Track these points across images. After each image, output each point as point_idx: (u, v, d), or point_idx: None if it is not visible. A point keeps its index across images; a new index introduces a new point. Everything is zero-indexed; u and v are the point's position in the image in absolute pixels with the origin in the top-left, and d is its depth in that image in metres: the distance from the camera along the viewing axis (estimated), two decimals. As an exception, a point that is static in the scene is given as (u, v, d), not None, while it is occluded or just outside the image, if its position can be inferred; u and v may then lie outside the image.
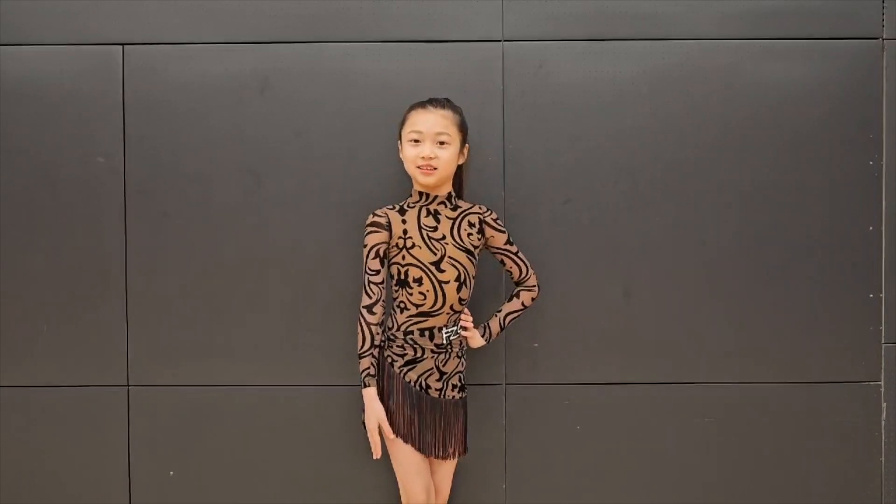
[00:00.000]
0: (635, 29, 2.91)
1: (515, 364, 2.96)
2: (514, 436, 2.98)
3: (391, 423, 2.55)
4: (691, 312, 2.95)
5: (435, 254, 2.58)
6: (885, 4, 2.91)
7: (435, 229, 2.60)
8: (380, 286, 2.55)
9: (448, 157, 2.56)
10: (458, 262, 2.60)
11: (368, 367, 2.53)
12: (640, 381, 2.96)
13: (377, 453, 2.57)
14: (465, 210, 2.66)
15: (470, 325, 2.70)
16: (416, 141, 2.56)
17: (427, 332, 2.60)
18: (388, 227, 2.58)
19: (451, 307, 2.60)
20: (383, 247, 2.58)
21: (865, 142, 2.93)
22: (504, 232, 2.72)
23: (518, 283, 2.77)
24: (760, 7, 2.92)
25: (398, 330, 2.61)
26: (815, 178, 2.93)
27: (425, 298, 2.57)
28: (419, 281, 2.57)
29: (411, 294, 2.58)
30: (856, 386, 2.96)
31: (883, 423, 2.97)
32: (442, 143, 2.55)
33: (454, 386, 2.64)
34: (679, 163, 2.93)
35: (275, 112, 2.93)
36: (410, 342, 2.60)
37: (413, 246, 2.58)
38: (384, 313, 2.58)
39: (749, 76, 2.92)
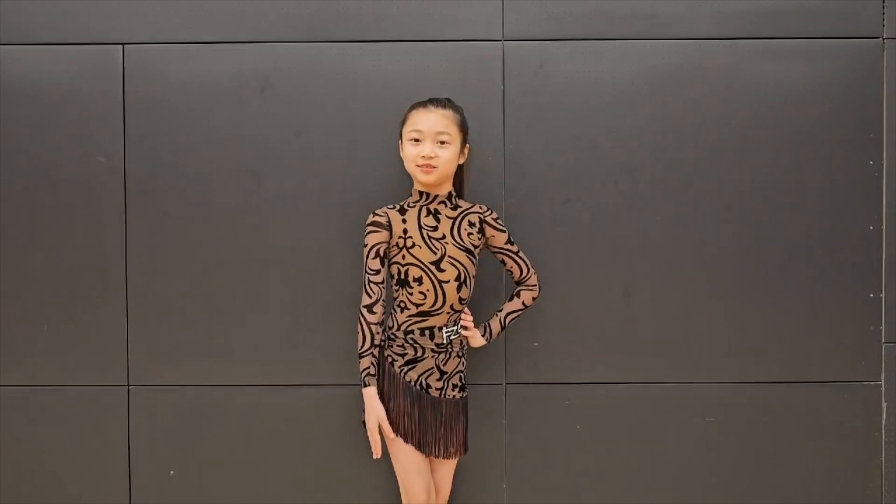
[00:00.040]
0: (635, 29, 2.92)
1: (515, 364, 2.96)
2: (514, 435, 2.98)
3: (391, 423, 2.55)
4: (691, 312, 2.95)
5: (435, 253, 2.58)
6: (885, 4, 2.91)
7: (435, 229, 2.60)
8: (380, 286, 2.55)
9: (448, 157, 2.56)
10: (458, 262, 2.60)
11: (368, 367, 2.53)
12: (640, 381, 2.96)
13: (377, 453, 2.57)
14: (465, 209, 2.66)
15: (470, 324, 2.70)
16: (417, 140, 2.56)
17: (427, 332, 2.60)
18: (389, 227, 2.59)
19: (452, 307, 2.60)
20: (383, 246, 2.58)
21: (865, 142, 2.93)
22: (504, 231, 2.72)
23: (519, 283, 2.77)
24: (760, 7, 2.92)
25: (398, 329, 2.61)
26: (815, 178, 2.93)
27: (425, 298, 2.58)
28: (419, 280, 2.57)
29: (411, 294, 2.58)
30: (856, 386, 2.96)
31: (883, 423, 2.97)
32: (442, 142, 2.55)
33: (455, 385, 2.64)
34: (679, 163, 2.93)
35: (275, 112, 2.93)
36: (411, 342, 2.60)
37: (413, 245, 2.58)
38: (384, 313, 2.58)
39: (749, 76, 2.92)
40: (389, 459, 2.65)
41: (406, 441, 2.57)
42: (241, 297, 2.95)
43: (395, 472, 2.66)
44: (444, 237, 2.60)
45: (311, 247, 2.94)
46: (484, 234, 2.68)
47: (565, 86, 2.92)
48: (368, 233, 2.59)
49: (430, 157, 2.54)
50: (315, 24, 2.93)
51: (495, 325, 2.74)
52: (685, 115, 2.93)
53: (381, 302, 2.55)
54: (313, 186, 2.93)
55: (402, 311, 2.61)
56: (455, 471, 2.75)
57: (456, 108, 2.61)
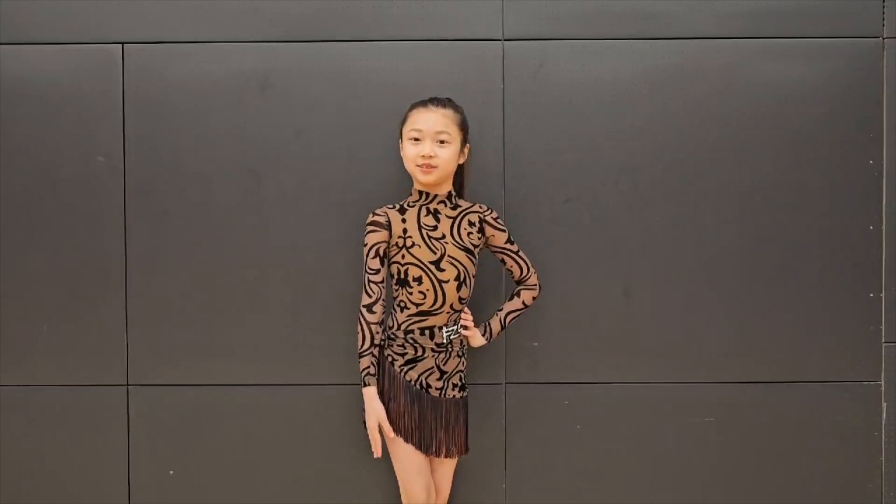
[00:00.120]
0: (635, 28, 2.92)
1: (515, 363, 2.96)
2: (514, 435, 2.98)
3: (391, 422, 2.55)
4: (691, 312, 2.95)
5: (435, 253, 2.58)
6: (885, 4, 2.91)
7: (435, 228, 2.60)
8: (380, 285, 2.55)
9: (448, 156, 2.56)
10: (458, 262, 2.60)
11: (368, 366, 2.53)
12: (640, 380, 2.96)
13: (377, 452, 2.57)
14: (465, 209, 2.66)
15: (470, 324, 2.70)
16: (417, 139, 2.56)
17: (427, 332, 2.60)
18: (388, 227, 2.59)
19: (451, 306, 2.60)
20: (383, 246, 2.58)
21: (865, 142, 2.93)
22: (504, 231, 2.72)
23: (519, 283, 2.77)
24: (760, 6, 2.92)
25: (398, 329, 2.61)
26: (815, 178, 2.93)
27: (425, 297, 2.57)
28: (419, 280, 2.57)
29: (411, 293, 2.58)
30: (856, 386, 2.96)
31: (883, 423, 2.97)
32: (442, 142, 2.55)
33: (455, 385, 2.64)
34: (679, 163, 2.93)
35: (275, 112, 2.93)
36: (411, 341, 2.60)
37: (413, 245, 2.58)
38: (384, 312, 2.58)
39: (749, 76, 2.92)
40: (389, 459, 2.65)
41: (406, 441, 2.57)
42: (241, 297, 2.95)
43: (395, 472, 2.66)
44: (443, 237, 2.60)
45: (311, 247, 2.94)
46: (484, 234, 2.68)
47: (565, 86, 2.92)
48: (368, 232, 2.59)
49: (430, 157, 2.53)
50: (315, 23, 2.93)
51: (495, 325, 2.74)
52: (685, 115, 2.93)
53: (380, 301, 2.55)
54: (313, 186, 2.93)
55: (402, 311, 2.61)
56: (455, 470, 2.75)
57: (456, 108, 2.61)
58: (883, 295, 2.94)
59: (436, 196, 2.63)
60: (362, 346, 2.53)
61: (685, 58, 2.92)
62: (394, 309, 2.64)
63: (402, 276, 2.59)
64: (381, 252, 2.58)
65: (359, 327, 2.54)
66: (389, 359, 2.60)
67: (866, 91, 2.92)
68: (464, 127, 2.61)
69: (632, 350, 2.95)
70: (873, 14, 2.91)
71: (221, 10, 2.93)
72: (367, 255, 2.57)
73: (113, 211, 2.94)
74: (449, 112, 2.58)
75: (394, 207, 2.63)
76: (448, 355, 2.63)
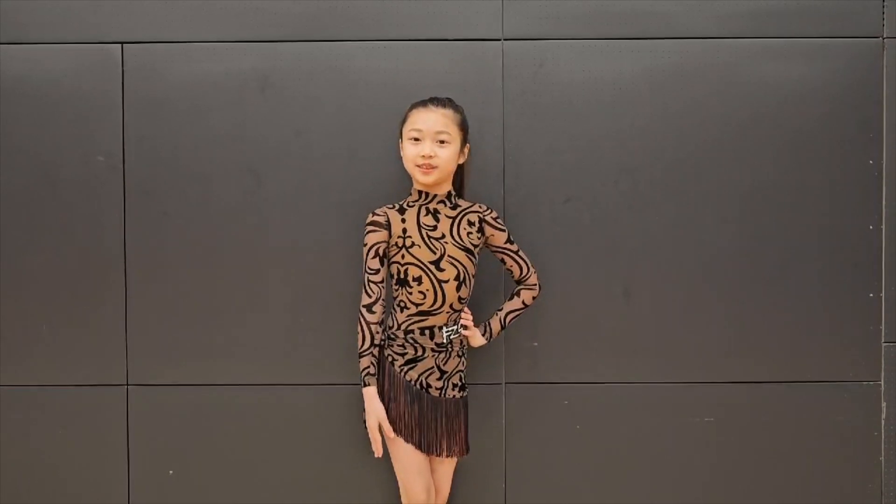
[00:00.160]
0: (635, 28, 2.92)
1: (515, 363, 2.96)
2: (514, 435, 2.98)
3: (391, 422, 2.55)
4: (691, 312, 2.95)
5: (434, 253, 2.58)
6: (885, 4, 2.91)
7: (434, 228, 2.60)
8: (379, 285, 2.55)
9: (448, 156, 2.56)
10: (458, 261, 2.60)
11: (368, 366, 2.53)
12: (640, 380, 2.96)
13: (378, 452, 2.57)
14: (464, 209, 2.66)
15: (470, 323, 2.70)
16: (417, 139, 2.56)
17: (427, 331, 2.60)
18: (388, 227, 2.59)
19: (451, 306, 2.60)
20: (383, 246, 2.58)
21: (865, 142, 2.93)
22: (504, 231, 2.71)
23: (519, 282, 2.77)
24: (760, 6, 2.92)
25: (398, 329, 2.61)
26: (815, 178, 2.93)
27: (425, 297, 2.57)
28: (419, 280, 2.57)
29: (411, 293, 2.58)
30: (856, 386, 2.96)
31: (883, 423, 2.97)
32: (442, 141, 2.55)
33: (455, 385, 2.64)
34: (679, 163, 2.93)
35: (275, 111, 2.93)
36: (411, 341, 2.59)
37: (412, 245, 2.58)
38: (384, 312, 2.58)
39: (749, 75, 2.92)
40: (389, 459, 2.65)
41: (406, 441, 2.57)
42: (241, 297, 2.95)
43: (395, 472, 2.66)
44: (443, 237, 2.60)
45: (311, 247, 2.94)
46: (483, 234, 2.68)
47: (565, 86, 2.92)
48: (368, 232, 2.59)
49: (430, 157, 2.53)
50: (315, 23, 2.92)
51: (495, 325, 2.74)
52: (685, 115, 2.93)
53: (380, 301, 2.55)
54: (313, 186, 2.93)
55: (401, 311, 2.61)
56: (455, 470, 2.75)
57: (456, 108, 2.61)
58: (883, 295, 2.94)
59: (435, 196, 2.63)
60: (362, 346, 2.53)
61: (685, 58, 2.92)
62: (394, 309, 2.64)
63: (402, 276, 2.59)
64: (381, 252, 2.58)
65: (359, 327, 2.54)
66: (389, 359, 2.60)
67: (866, 91, 2.92)
68: (464, 127, 2.61)
69: (632, 350, 2.95)
70: (873, 14, 2.92)
71: (221, 10, 2.93)
72: (367, 255, 2.57)
73: (113, 211, 2.94)
74: (449, 112, 2.58)
75: (393, 207, 2.63)
76: (448, 355, 2.63)
